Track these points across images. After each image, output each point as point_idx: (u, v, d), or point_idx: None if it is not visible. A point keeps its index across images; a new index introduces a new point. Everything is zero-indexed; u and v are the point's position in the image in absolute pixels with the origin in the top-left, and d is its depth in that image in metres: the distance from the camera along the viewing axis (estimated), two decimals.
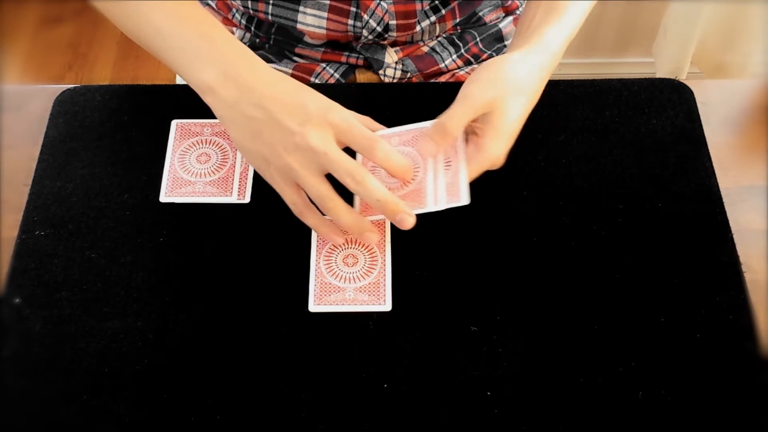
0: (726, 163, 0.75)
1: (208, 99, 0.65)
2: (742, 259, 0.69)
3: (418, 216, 0.65)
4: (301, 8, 0.82)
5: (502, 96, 0.63)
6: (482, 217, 0.71)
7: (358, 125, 0.62)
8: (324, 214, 0.64)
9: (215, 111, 0.65)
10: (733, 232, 0.70)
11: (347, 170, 0.60)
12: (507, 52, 0.69)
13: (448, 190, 0.64)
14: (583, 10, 0.71)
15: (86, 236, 0.70)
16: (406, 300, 0.66)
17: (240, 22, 0.90)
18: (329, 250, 0.69)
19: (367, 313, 0.66)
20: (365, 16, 0.82)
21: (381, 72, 0.88)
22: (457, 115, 0.63)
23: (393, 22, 0.83)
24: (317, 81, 0.89)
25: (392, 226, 0.69)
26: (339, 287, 0.67)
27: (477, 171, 0.64)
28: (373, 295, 0.66)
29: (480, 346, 0.64)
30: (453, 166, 0.65)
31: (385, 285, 0.67)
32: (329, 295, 0.66)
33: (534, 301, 0.66)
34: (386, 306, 0.66)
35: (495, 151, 0.64)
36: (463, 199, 0.63)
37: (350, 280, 0.67)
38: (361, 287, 0.67)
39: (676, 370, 0.63)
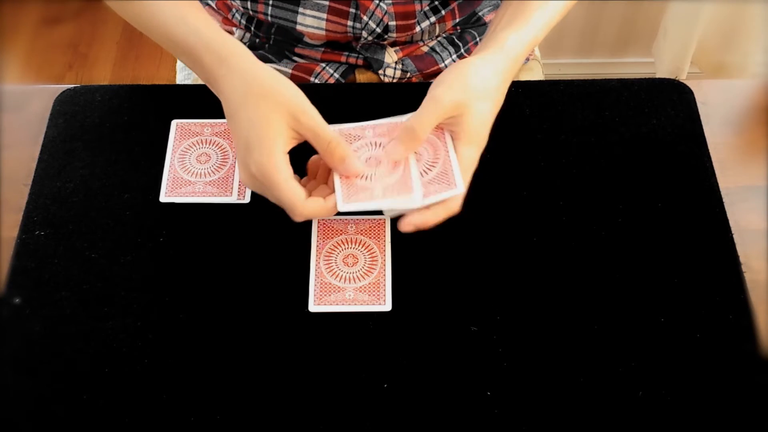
0: (726, 163, 0.75)
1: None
2: (742, 259, 0.69)
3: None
4: (301, 9, 0.82)
5: (468, 99, 0.63)
6: (482, 217, 0.71)
7: (323, 132, 0.62)
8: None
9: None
10: (733, 232, 0.70)
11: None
12: (473, 53, 0.69)
13: (439, 180, 0.63)
14: (549, 17, 0.71)
15: (86, 236, 0.70)
16: (406, 300, 0.66)
17: (240, 22, 0.90)
18: (329, 250, 0.69)
19: (367, 314, 0.66)
20: (364, 18, 0.82)
21: (381, 72, 0.88)
22: (425, 119, 0.63)
23: (392, 23, 0.83)
24: (317, 81, 0.89)
25: (392, 225, 0.69)
26: (339, 287, 0.67)
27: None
28: (373, 295, 0.66)
29: (480, 346, 0.64)
30: (441, 157, 0.64)
31: (385, 285, 0.67)
32: (329, 295, 0.66)
33: (534, 301, 0.66)
34: (386, 306, 0.66)
35: (470, 154, 0.64)
36: (459, 186, 0.62)
37: (350, 280, 0.67)
38: (361, 287, 0.67)
39: (676, 370, 0.63)
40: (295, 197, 0.61)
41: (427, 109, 0.63)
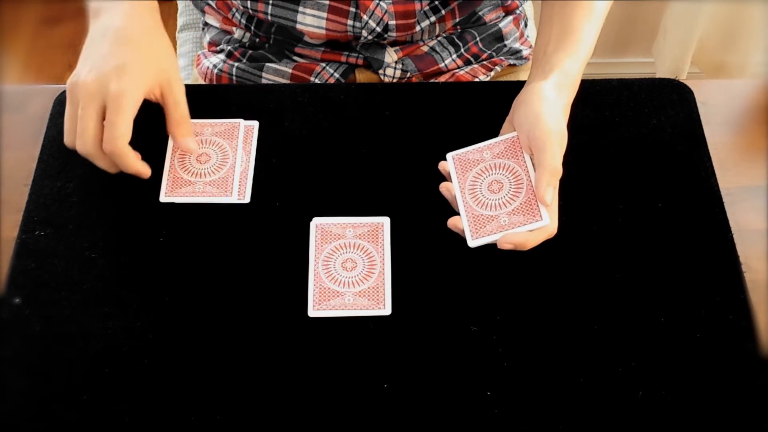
0: (726, 163, 0.75)
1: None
2: (742, 259, 0.68)
3: (418, 217, 0.64)
4: (301, 8, 0.82)
5: (561, 141, 0.66)
6: None
7: (184, 103, 0.71)
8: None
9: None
10: (733, 232, 0.70)
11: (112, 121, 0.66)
12: (531, 82, 0.70)
13: (524, 210, 0.64)
14: (595, 31, 0.73)
15: (86, 236, 0.70)
16: (406, 303, 0.66)
17: (240, 21, 0.90)
18: (327, 255, 0.68)
19: (367, 318, 0.65)
20: (364, 17, 0.82)
21: (381, 71, 0.88)
22: (544, 181, 0.64)
23: (392, 23, 0.83)
24: (317, 80, 0.88)
25: (391, 228, 0.69)
26: (338, 292, 0.66)
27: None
28: (373, 299, 0.66)
29: (480, 346, 0.64)
30: (524, 186, 0.66)
31: (384, 289, 0.66)
32: (328, 300, 0.66)
33: (534, 301, 0.66)
34: (386, 310, 0.66)
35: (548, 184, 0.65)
36: (545, 219, 0.63)
37: (349, 285, 0.67)
38: (360, 292, 0.66)
39: (676, 370, 0.63)
40: (128, 129, 0.66)
41: (542, 174, 0.64)
